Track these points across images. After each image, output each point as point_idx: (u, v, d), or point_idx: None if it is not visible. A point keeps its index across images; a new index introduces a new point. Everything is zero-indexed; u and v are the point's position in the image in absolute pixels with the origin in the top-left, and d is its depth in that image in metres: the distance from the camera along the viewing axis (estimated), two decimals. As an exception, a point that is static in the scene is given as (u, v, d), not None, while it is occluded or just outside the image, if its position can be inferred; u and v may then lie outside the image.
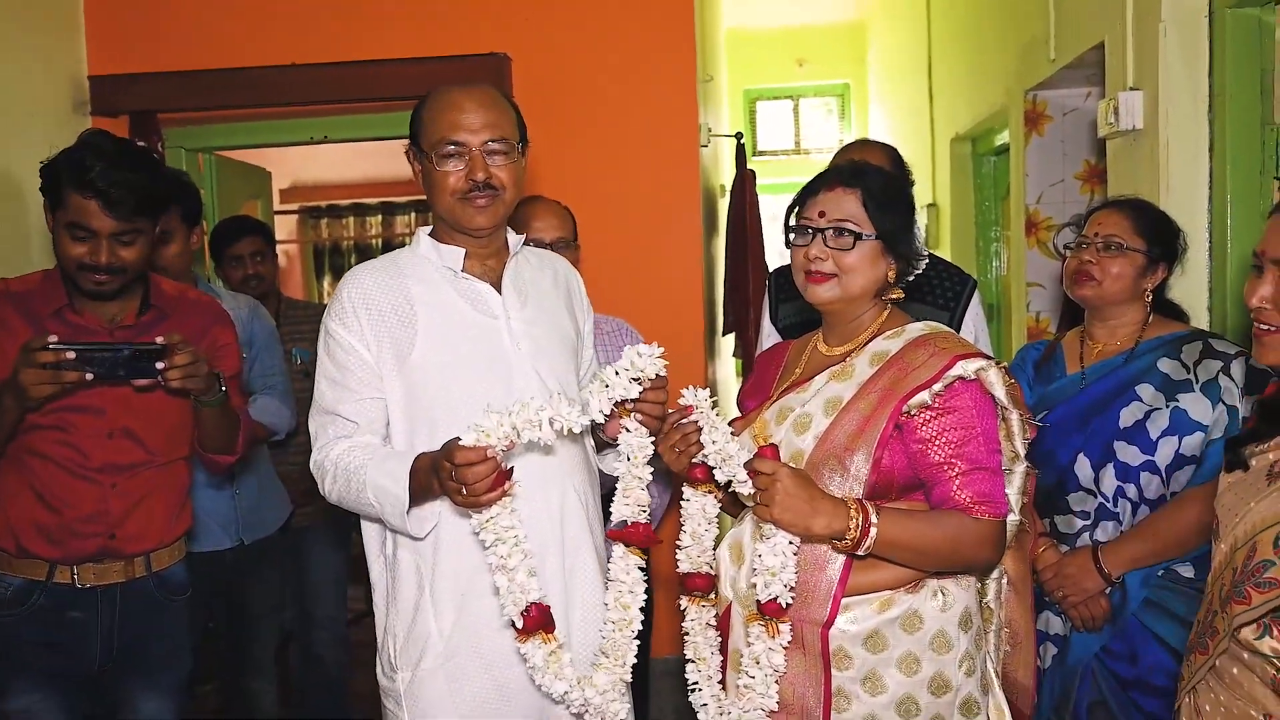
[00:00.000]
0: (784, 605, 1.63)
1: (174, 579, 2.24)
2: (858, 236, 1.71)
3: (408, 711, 1.81)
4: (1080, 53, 3.29)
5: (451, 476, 1.55)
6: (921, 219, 1.81)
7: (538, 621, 1.62)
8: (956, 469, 1.64)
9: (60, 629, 2.10)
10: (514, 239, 1.94)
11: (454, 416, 1.74)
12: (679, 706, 1.74)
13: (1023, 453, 1.74)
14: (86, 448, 2.08)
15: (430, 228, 1.93)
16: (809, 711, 1.69)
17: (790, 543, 1.63)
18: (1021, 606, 1.87)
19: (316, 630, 3.32)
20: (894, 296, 1.77)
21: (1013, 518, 1.74)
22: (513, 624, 1.63)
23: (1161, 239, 2.21)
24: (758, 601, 1.65)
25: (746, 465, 1.63)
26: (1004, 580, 1.83)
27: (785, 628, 1.66)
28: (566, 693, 1.65)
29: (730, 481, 1.67)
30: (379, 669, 1.88)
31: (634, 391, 1.64)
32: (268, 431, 2.83)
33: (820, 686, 1.68)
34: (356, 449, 1.77)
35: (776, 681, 1.66)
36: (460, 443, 1.53)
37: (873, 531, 1.59)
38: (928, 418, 1.65)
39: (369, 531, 1.89)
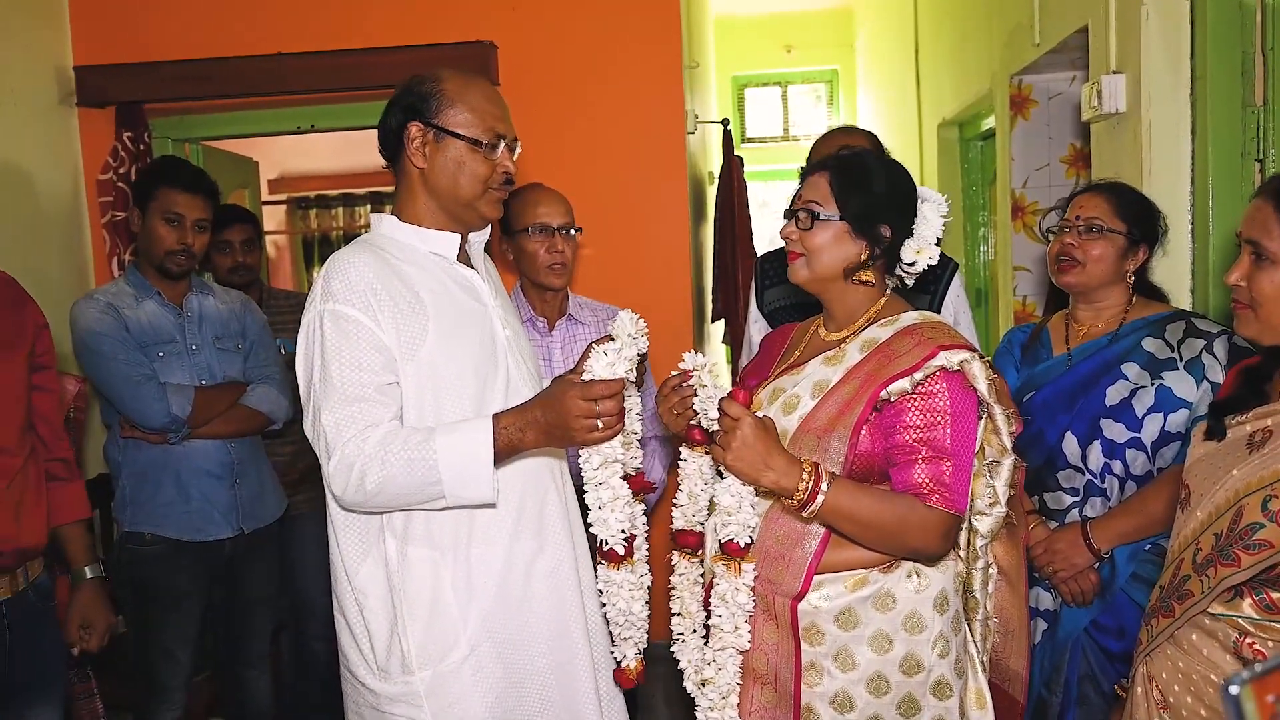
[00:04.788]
0: (742, 545, 1.67)
1: (44, 586, 2.18)
2: (815, 216, 1.75)
3: (430, 711, 1.73)
4: (1064, 37, 3.30)
5: (590, 414, 1.59)
6: (937, 211, 1.79)
7: (630, 550, 1.72)
8: (921, 454, 1.64)
9: None
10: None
11: (459, 405, 1.75)
12: (669, 694, 1.77)
13: (1009, 445, 1.73)
14: None
15: (390, 212, 1.86)
16: (783, 682, 1.72)
17: (746, 484, 1.66)
18: (1014, 596, 1.88)
19: (312, 623, 3.31)
20: (864, 278, 1.78)
21: (999, 510, 1.76)
22: (609, 553, 1.72)
23: (1142, 221, 2.24)
24: (719, 541, 1.69)
25: (719, 404, 1.65)
26: (992, 570, 1.83)
27: (748, 568, 1.69)
28: (638, 611, 1.76)
29: None
30: (371, 677, 1.77)
31: (644, 346, 1.71)
32: (267, 420, 2.83)
33: (791, 658, 1.71)
34: (398, 433, 1.66)
35: (747, 622, 1.70)
36: (592, 378, 1.59)
37: (820, 497, 1.60)
38: (904, 404, 1.66)
39: (348, 537, 1.77)
